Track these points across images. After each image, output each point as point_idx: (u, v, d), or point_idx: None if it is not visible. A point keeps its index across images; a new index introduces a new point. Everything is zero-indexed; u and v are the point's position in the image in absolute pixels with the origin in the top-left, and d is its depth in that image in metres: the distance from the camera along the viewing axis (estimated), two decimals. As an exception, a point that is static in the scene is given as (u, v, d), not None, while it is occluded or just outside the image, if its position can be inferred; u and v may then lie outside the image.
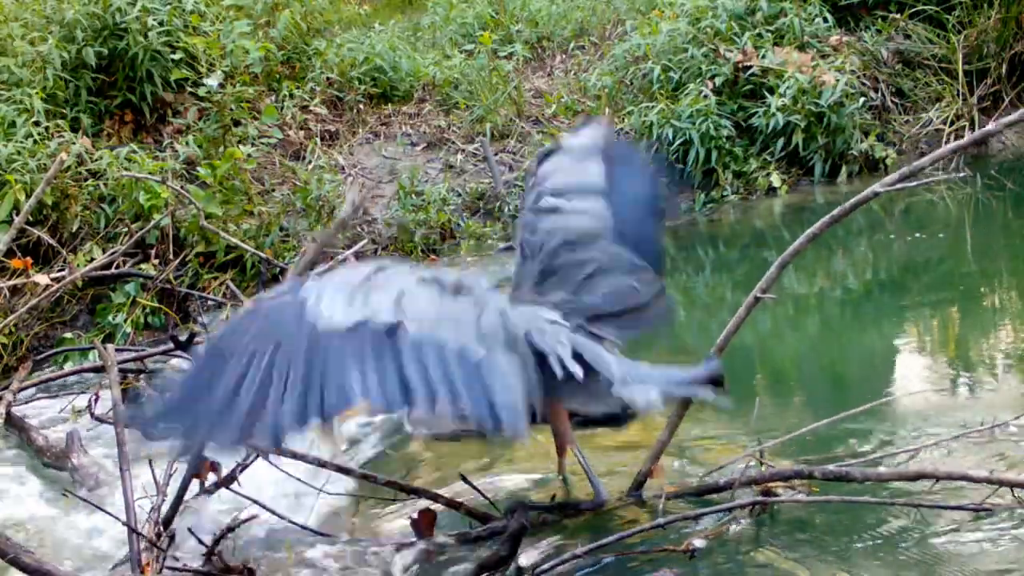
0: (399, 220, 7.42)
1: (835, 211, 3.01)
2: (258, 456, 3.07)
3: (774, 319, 5.02)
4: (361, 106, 8.80)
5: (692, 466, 3.45)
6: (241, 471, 3.09)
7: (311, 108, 8.48)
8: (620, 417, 2.79)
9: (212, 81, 7.42)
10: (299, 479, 3.46)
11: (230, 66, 7.90)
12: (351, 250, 6.42)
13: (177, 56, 7.72)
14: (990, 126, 2.94)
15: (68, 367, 5.78)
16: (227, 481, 3.09)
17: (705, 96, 7.80)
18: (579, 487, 3.38)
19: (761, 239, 7.06)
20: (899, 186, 2.92)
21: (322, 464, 3.41)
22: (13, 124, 7.16)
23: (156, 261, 6.87)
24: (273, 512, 3.30)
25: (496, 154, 8.31)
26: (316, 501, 3.54)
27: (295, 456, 3.28)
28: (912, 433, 3.60)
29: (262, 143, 7.78)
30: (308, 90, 8.51)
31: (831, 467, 3.15)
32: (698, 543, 2.88)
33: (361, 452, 4.39)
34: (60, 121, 7.46)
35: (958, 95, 8.19)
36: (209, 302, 6.61)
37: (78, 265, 6.47)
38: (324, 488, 3.54)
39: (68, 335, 6.60)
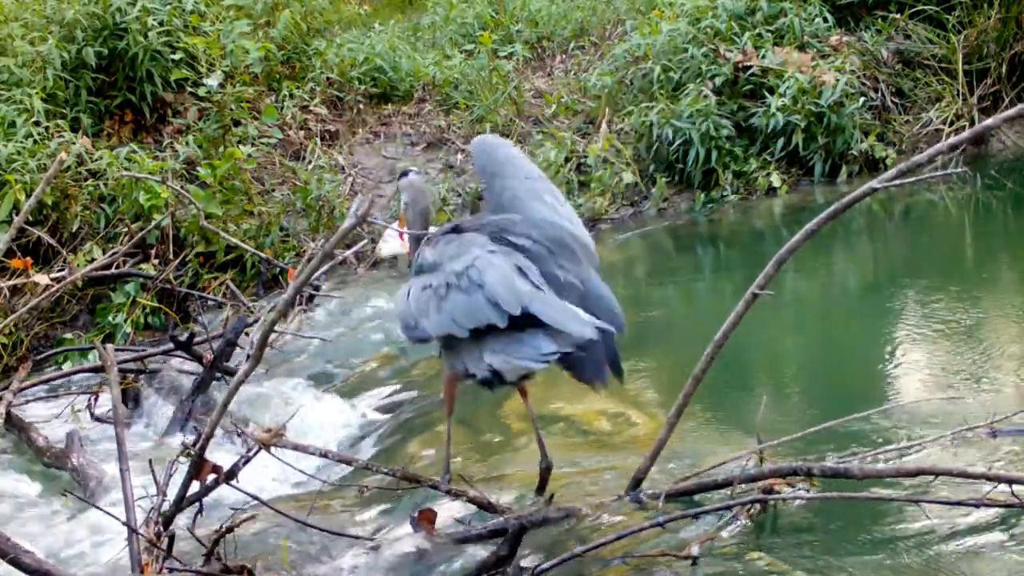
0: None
1: (832, 207, 3.01)
2: (260, 449, 3.07)
3: (774, 319, 5.02)
4: (361, 106, 8.80)
5: (692, 465, 3.44)
6: (244, 463, 3.08)
7: (311, 108, 8.47)
8: (491, 381, 2.88)
9: (212, 81, 7.42)
10: (302, 471, 3.46)
11: (230, 66, 7.90)
12: (351, 250, 6.41)
13: (177, 56, 7.72)
14: (989, 121, 2.93)
15: (68, 367, 5.79)
16: (228, 477, 3.08)
17: (705, 96, 7.80)
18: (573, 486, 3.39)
19: (761, 239, 7.06)
20: (896, 182, 2.93)
21: (324, 455, 3.41)
22: (13, 124, 7.16)
23: (156, 261, 6.87)
24: (274, 509, 3.30)
25: (496, 154, 8.29)
26: (315, 500, 3.54)
27: (297, 448, 3.28)
28: (911, 431, 3.60)
29: (262, 143, 7.77)
30: (308, 90, 8.50)
31: (830, 464, 3.15)
32: (695, 550, 2.88)
33: (361, 452, 4.40)
34: (60, 121, 7.46)
35: (958, 95, 8.18)
36: (209, 302, 6.61)
37: (78, 265, 6.47)
38: (328, 480, 3.55)
39: (68, 335, 6.61)
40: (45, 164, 6.86)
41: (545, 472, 3.15)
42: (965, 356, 4.38)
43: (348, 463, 3.51)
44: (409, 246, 3.32)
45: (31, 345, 6.57)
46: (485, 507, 3.22)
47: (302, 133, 8.31)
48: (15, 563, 2.65)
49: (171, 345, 5.18)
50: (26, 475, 4.56)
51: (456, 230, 3.03)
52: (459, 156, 8.43)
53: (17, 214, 5.83)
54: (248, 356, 3.09)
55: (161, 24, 7.84)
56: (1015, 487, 2.89)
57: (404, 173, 3.30)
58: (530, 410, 3.19)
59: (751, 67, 7.95)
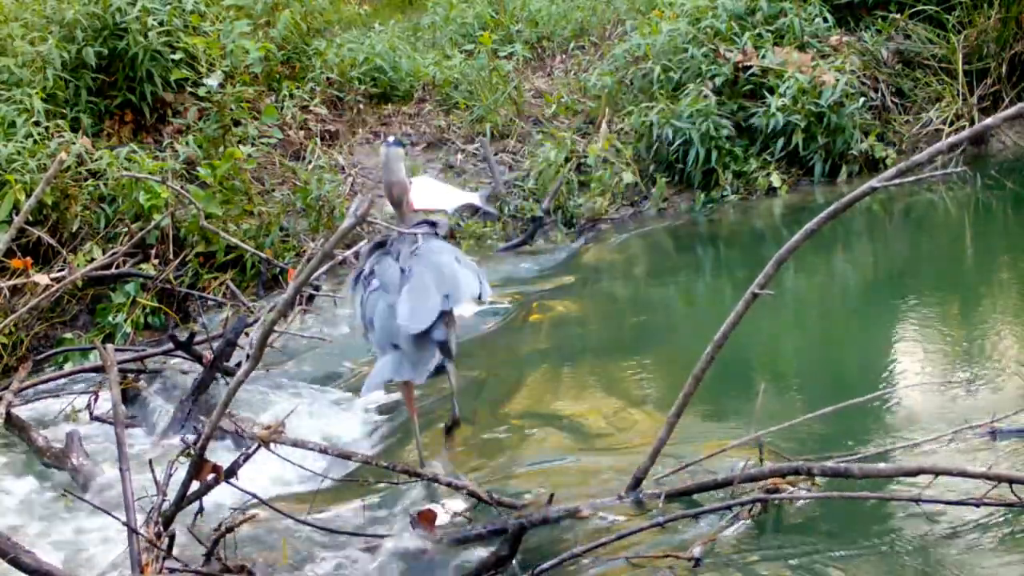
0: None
1: (832, 207, 3.01)
2: (259, 446, 3.07)
3: (774, 319, 5.03)
4: (361, 106, 8.80)
5: (691, 464, 3.44)
6: (244, 460, 3.08)
7: (311, 108, 8.47)
8: None
9: (212, 81, 7.41)
10: (301, 467, 3.47)
11: (230, 66, 7.90)
12: (351, 250, 6.42)
13: (177, 56, 7.72)
14: (989, 120, 2.93)
15: (68, 367, 5.78)
16: (228, 474, 3.08)
17: (705, 96, 7.80)
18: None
19: (761, 239, 7.06)
20: (896, 182, 2.93)
21: (323, 451, 3.42)
22: (13, 124, 7.16)
23: (156, 261, 6.86)
24: (274, 508, 3.30)
25: (496, 154, 8.31)
26: (315, 500, 3.54)
27: (296, 444, 3.28)
28: (911, 431, 3.60)
29: (262, 143, 7.77)
30: (308, 90, 8.50)
31: (830, 464, 3.15)
32: (697, 551, 2.87)
33: (361, 452, 4.39)
34: (60, 121, 7.45)
35: (958, 95, 8.19)
36: (209, 302, 6.60)
37: (78, 265, 6.47)
38: (328, 476, 3.56)
39: (68, 335, 6.60)
40: (45, 164, 6.86)
41: (452, 426, 3.89)
42: (965, 356, 4.39)
43: (347, 458, 3.52)
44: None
45: (31, 345, 6.56)
46: (485, 500, 3.22)
47: (302, 133, 8.31)
48: (15, 563, 2.65)
49: (171, 345, 5.17)
50: (26, 475, 4.56)
51: (381, 245, 3.63)
52: (459, 156, 8.43)
53: (17, 214, 5.83)
54: (248, 356, 3.09)
55: (161, 24, 7.84)
56: (1015, 487, 2.89)
57: (385, 141, 3.60)
58: (452, 380, 3.81)
59: (751, 67, 7.95)
